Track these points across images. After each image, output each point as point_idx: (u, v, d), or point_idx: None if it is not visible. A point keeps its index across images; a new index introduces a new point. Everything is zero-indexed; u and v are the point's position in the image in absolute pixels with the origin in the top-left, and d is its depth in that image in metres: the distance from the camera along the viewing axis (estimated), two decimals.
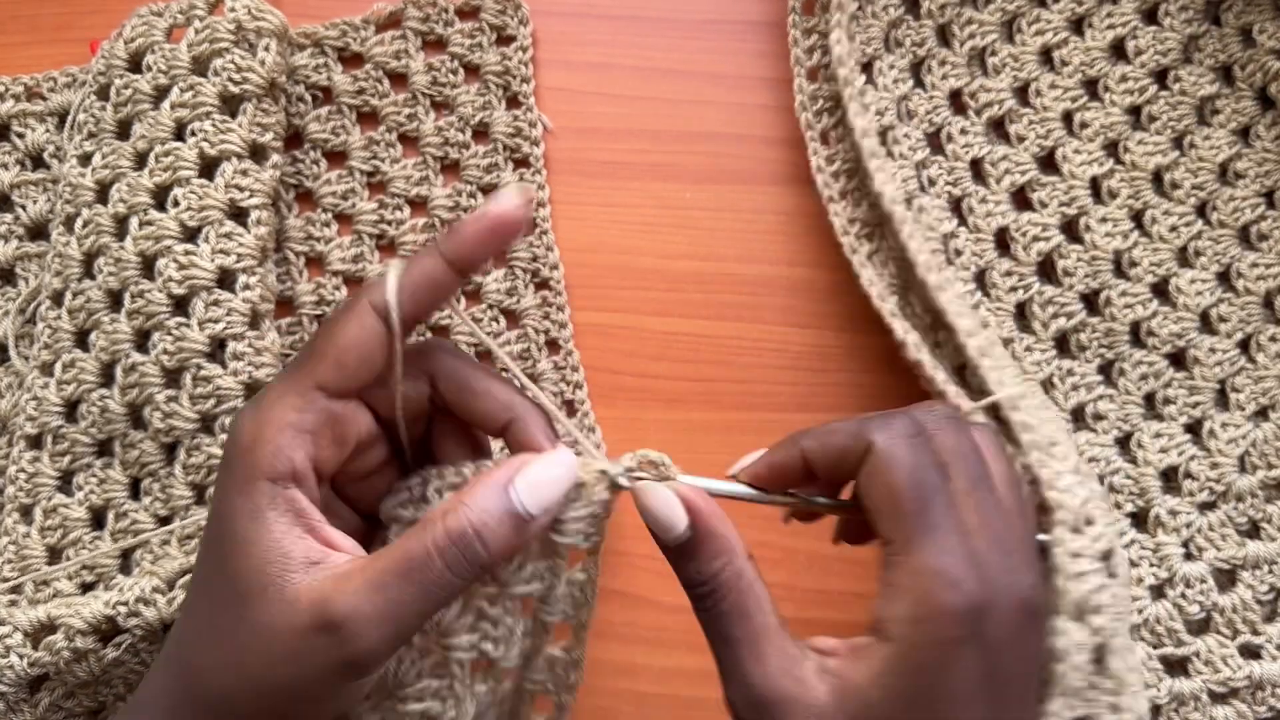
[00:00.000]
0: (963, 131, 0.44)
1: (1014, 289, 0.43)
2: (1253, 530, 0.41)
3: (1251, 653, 0.40)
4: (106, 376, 0.43)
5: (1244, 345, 0.42)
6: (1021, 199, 0.44)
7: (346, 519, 0.34)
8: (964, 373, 0.39)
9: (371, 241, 0.47)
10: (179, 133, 0.44)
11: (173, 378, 0.42)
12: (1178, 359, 0.43)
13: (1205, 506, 0.41)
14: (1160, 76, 0.44)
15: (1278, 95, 0.43)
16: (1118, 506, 0.41)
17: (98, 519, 0.44)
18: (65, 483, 0.44)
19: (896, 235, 0.41)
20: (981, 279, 0.43)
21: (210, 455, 0.42)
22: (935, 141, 0.45)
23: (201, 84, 0.44)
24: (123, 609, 0.38)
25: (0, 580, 0.42)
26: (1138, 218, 0.43)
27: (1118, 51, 0.44)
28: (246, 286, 0.43)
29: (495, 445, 0.38)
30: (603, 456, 0.32)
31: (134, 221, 0.43)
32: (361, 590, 0.28)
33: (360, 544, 0.31)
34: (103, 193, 0.44)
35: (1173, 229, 0.43)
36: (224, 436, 0.42)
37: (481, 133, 0.48)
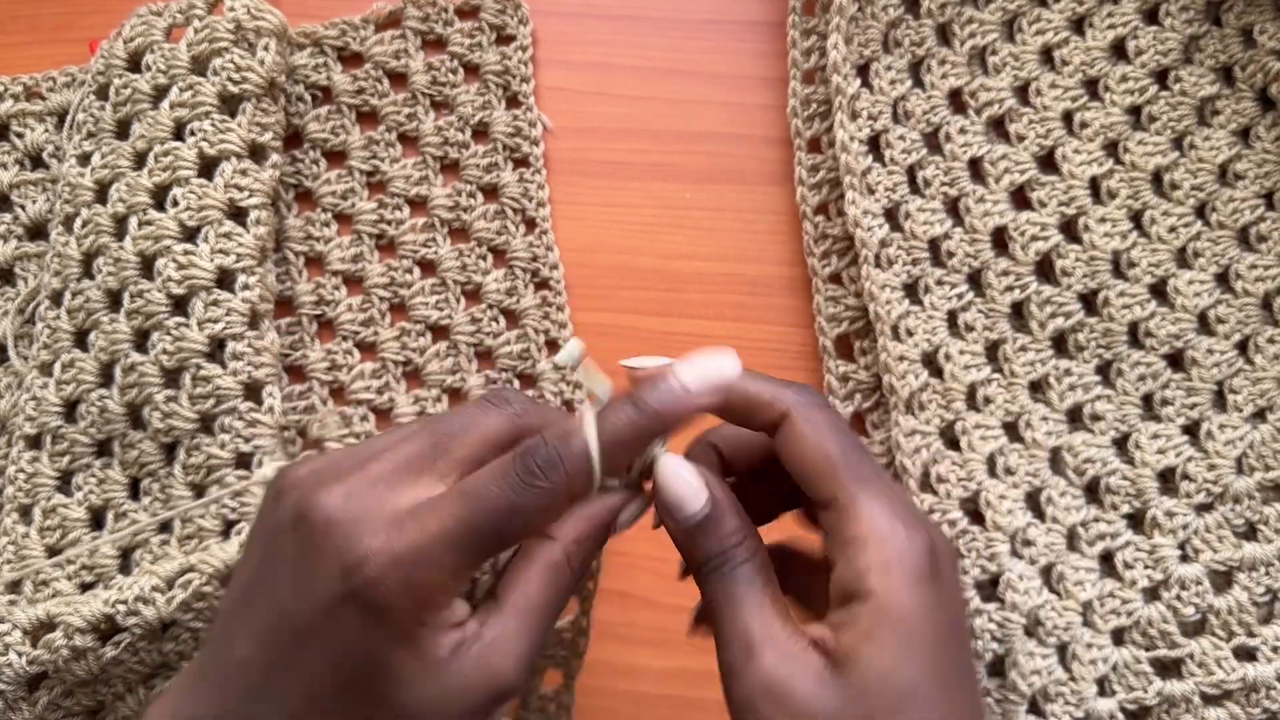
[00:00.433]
0: (962, 131, 0.44)
1: (1010, 289, 0.43)
2: (1250, 532, 0.41)
3: (1247, 654, 0.40)
4: (106, 376, 0.43)
5: (1242, 347, 0.42)
6: (1020, 198, 0.44)
7: None
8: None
9: (371, 241, 0.47)
10: (178, 132, 0.44)
11: (172, 378, 0.42)
12: (1176, 360, 0.43)
13: (1202, 508, 0.41)
14: (1160, 77, 0.44)
15: (1278, 96, 0.43)
16: (1114, 508, 0.41)
17: (97, 519, 0.44)
18: (64, 483, 0.44)
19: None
20: (975, 280, 0.44)
21: (210, 455, 0.42)
22: (933, 141, 0.45)
23: (201, 84, 0.44)
24: (122, 608, 0.38)
25: None
26: (1137, 218, 0.43)
27: (1118, 51, 0.44)
28: (246, 286, 0.43)
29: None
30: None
31: (133, 221, 0.43)
32: (514, 638, 0.28)
33: None
34: (102, 192, 0.44)
35: (1172, 230, 0.43)
36: (223, 436, 0.42)
37: (481, 132, 0.48)
